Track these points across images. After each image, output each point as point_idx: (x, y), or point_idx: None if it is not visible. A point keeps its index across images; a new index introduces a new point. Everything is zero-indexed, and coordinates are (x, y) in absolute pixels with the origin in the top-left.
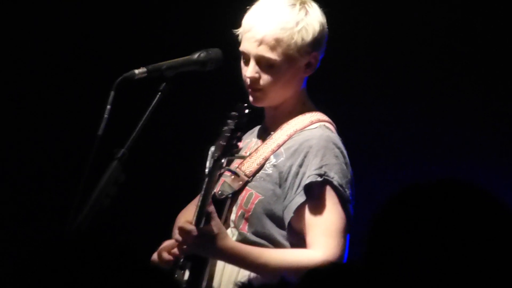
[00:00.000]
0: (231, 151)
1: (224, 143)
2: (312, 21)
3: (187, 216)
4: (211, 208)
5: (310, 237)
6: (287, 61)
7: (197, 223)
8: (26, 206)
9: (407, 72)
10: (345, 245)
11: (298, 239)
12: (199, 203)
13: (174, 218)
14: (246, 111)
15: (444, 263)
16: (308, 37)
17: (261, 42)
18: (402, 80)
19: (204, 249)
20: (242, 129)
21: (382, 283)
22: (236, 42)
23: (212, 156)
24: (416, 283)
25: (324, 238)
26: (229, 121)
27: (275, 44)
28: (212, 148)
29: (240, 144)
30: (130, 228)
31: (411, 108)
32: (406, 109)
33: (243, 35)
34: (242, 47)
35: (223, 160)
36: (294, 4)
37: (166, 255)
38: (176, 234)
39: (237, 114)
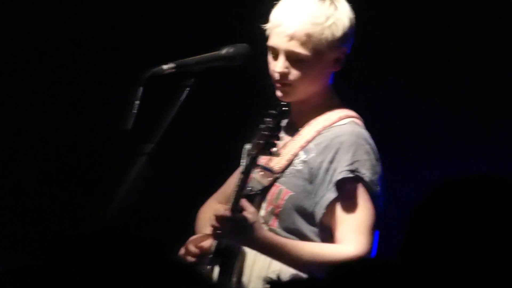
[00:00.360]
0: (269, 149)
1: (262, 142)
2: (342, 16)
3: (208, 211)
4: (244, 200)
5: (340, 233)
6: (317, 56)
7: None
8: (54, 202)
9: (433, 66)
10: (373, 242)
11: (328, 235)
12: (233, 200)
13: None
14: (284, 109)
15: (482, 260)
16: (338, 32)
17: (291, 37)
18: (432, 73)
19: (239, 237)
20: (280, 128)
21: (415, 279)
22: (261, 37)
23: (248, 154)
24: (452, 280)
25: (354, 234)
26: (266, 119)
27: (306, 39)
28: (247, 146)
29: (278, 143)
30: (156, 224)
31: (439, 102)
32: (436, 102)
33: (272, 30)
34: (271, 42)
35: (258, 158)
36: (323, 0)
37: (193, 248)
38: (212, 220)
39: (275, 112)
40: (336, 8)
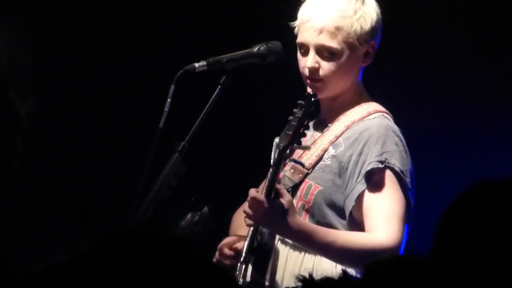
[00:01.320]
0: (298, 140)
1: (290, 133)
2: (369, 10)
3: (242, 214)
4: (280, 185)
5: (371, 221)
6: (347, 50)
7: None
8: (89, 198)
9: (465, 73)
10: (404, 232)
11: (359, 229)
12: (265, 189)
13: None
14: (313, 99)
15: None
16: (367, 25)
17: (321, 31)
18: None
19: (273, 222)
20: (309, 117)
21: (447, 278)
22: (290, 35)
23: (277, 147)
24: (485, 281)
25: (386, 222)
26: (295, 110)
27: (336, 33)
28: (277, 139)
29: (308, 133)
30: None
31: (475, 104)
32: (469, 105)
33: (301, 26)
34: (301, 38)
35: (288, 151)
36: None
37: (227, 251)
38: (246, 207)
39: (303, 102)
40: (363, 2)
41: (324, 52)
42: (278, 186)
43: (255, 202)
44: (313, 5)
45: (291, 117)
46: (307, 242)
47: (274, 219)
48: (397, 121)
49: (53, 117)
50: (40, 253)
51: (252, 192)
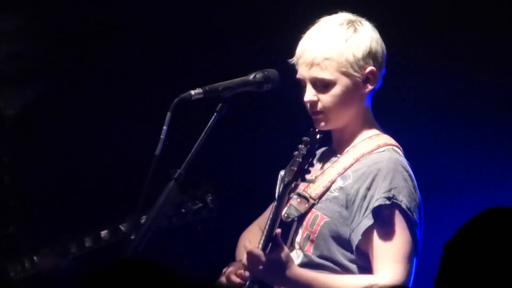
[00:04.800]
0: (302, 176)
1: (295, 168)
2: (362, 36)
3: (250, 237)
4: (278, 232)
5: (376, 262)
6: (342, 79)
7: (264, 247)
8: (84, 225)
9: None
10: (411, 270)
11: (365, 262)
12: (267, 227)
13: (236, 239)
14: (318, 136)
15: None
16: (359, 52)
17: (312, 64)
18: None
19: (270, 276)
20: (313, 154)
21: None
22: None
23: (282, 181)
24: None
25: (391, 263)
26: (300, 146)
27: (326, 64)
28: (282, 173)
29: (312, 169)
30: (193, 250)
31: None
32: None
33: (297, 62)
34: (298, 74)
35: (293, 185)
36: (342, 24)
37: (234, 278)
38: (244, 258)
39: (308, 139)
40: (355, 30)
41: (319, 84)
42: (277, 231)
43: (252, 256)
44: (305, 40)
45: (296, 153)
46: None
47: (272, 273)
48: (405, 152)
49: (49, 141)
50: (24, 253)
51: (248, 247)
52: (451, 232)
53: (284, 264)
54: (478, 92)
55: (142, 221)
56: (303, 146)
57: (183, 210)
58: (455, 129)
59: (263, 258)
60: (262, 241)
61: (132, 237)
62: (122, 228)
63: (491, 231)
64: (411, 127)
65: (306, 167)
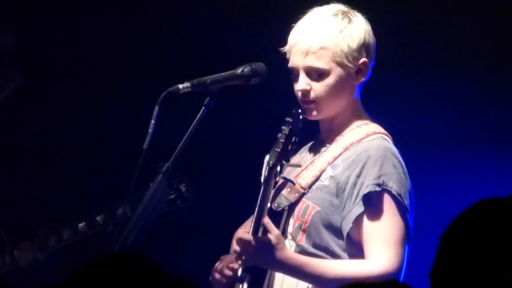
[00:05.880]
0: (286, 156)
1: (279, 150)
2: (356, 27)
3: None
4: (267, 219)
5: (368, 247)
6: (336, 68)
7: (254, 233)
8: (73, 219)
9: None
10: (404, 255)
11: (356, 250)
12: (256, 213)
13: (230, 231)
14: (301, 116)
15: None
16: (354, 43)
17: (307, 53)
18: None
19: (262, 259)
20: (297, 134)
21: None
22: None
23: (268, 164)
24: None
25: (383, 248)
26: (283, 127)
27: (322, 53)
28: (267, 157)
29: (297, 151)
30: (185, 244)
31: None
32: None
33: (290, 51)
34: (290, 63)
35: (278, 168)
36: (336, 14)
37: (226, 271)
38: (234, 245)
39: (291, 120)
40: (350, 21)
41: (313, 73)
42: (265, 221)
43: (241, 242)
44: (299, 29)
45: (279, 134)
46: (299, 275)
47: (263, 256)
48: (395, 140)
49: (34, 134)
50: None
51: (239, 233)
52: (446, 224)
53: (276, 245)
54: (471, 84)
55: (119, 212)
56: (285, 126)
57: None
58: (449, 120)
59: (253, 242)
60: (251, 228)
61: (109, 230)
62: (99, 220)
63: (485, 223)
64: (404, 119)
65: (290, 147)
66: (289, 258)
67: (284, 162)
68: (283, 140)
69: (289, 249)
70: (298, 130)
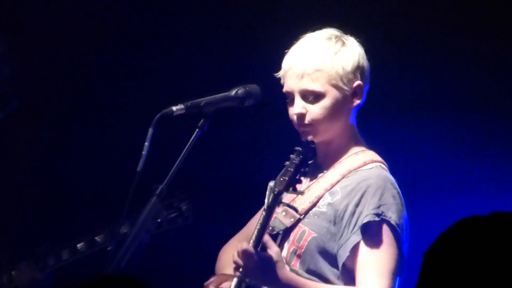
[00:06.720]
0: (293, 186)
1: (287, 178)
2: (350, 50)
3: (230, 252)
4: (267, 237)
5: (362, 275)
6: (332, 91)
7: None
8: (68, 240)
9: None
10: (394, 286)
11: (350, 278)
12: (255, 237)
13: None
14: (311, 146)
15: None
16: (349, 65)
17: (302, 76)
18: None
19: (262, 275)
20: (307, 165)
21: None
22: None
23: (272, 191)
24: None
25: (376, 277)
26: (292, 156)
27: (317, 75)
28: (271, 183)
29: (303, 179)
30: (176, 264)
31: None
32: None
33: (285, 75)
34: (285, 87)
35: (283, 196)
36: (330, 38)
37: None
38: (235, 256)
39: (301, 149)
40: (343, 44)
41: (309, 96)
42: (265, 238)
43: (243, 254)
44: (293, 53)
45: (287, 163)
46: None
47: (262, 272)
48: (389, 156)
49: (32, 155)
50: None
51: (241, 244)
52: (432, 240)
53: (276, 263)
54: (464, 93)
55: (118, 232)
56: (295, 156)
57: (158, 220)
58: (437, 134)
59: (256, 257)
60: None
61: (109, 249)
62: (98, 240)
63: (468, 240)
64: (394, 136)
65: (298, 176)
66: (287, 277)
67: (289, 190)
68: (292, 169)
69: (287, 269)
70: (308, 160)
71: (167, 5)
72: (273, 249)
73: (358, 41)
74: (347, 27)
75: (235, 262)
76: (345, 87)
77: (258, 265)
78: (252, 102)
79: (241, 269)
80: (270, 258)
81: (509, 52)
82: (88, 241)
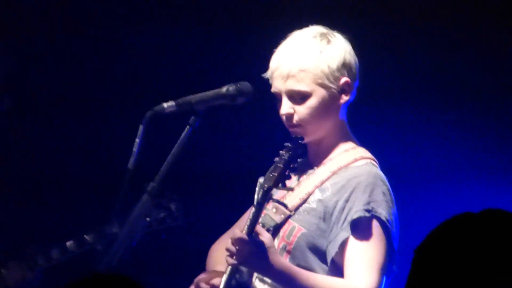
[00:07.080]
0: (283, 182)
1: (276, 174)
2: (335, 47)
3: (220, 249)
4: (259, 226)
5: (352, 269)
6: (318, 90)
7: None
8: (58, 239)
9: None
10: (382, 281)
11: (340, 275)
12: (245, 231)
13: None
14: (300, 142)
15: None
16: (334, 63)
17: (288, 77)
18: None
19: (255, 260)
20: (295, 160)
21: None
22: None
23: (262, 187)
24: None
25: (366, 272)
26: (282, 152)
27: (303, 75)
28: (261, 179)
29: (292, 174)
30: (167, 262)
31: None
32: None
33: (272, 76)
34: (273, 88)
35: (273, 191)
36: (315, 36)
37: (204, 286)
38: (228, 244)
39: (290, 145)
40: (328, 41)
41: (296, 96)
42: (257, 227)
43: (237, 241)
44: (279, 53)
45: (277, 159)
46: (288, 283)
47: (256, 258)
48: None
49: (21, 153)
50: None
51: (235, 231)
52: (423, 237)
53: (269, 248)
54: (459, 89)
55: (108, 231)
56: (284, 152)
57: (148, 219)
58: (428, 130)
59: (249, 243)
60: None
61: (98, 248)
62: (88, 239)
63: (459, 236)
64: (385, 134)
65: (287, 172)
66: (281, 264)
67: (279, 186)
68: (281, 165)
69: (280, 256)
70: (297, 156)
71: (159, 3)
72: (265, 235)
73: (345, 37)
74: (338, 23)
75: (228, 250)
76: (332, 85)
77: (252, 250)
78: (244, 99)
79: (234, 256)
80: (262, 243)
81: (505, 44)
82: (78, 240)
